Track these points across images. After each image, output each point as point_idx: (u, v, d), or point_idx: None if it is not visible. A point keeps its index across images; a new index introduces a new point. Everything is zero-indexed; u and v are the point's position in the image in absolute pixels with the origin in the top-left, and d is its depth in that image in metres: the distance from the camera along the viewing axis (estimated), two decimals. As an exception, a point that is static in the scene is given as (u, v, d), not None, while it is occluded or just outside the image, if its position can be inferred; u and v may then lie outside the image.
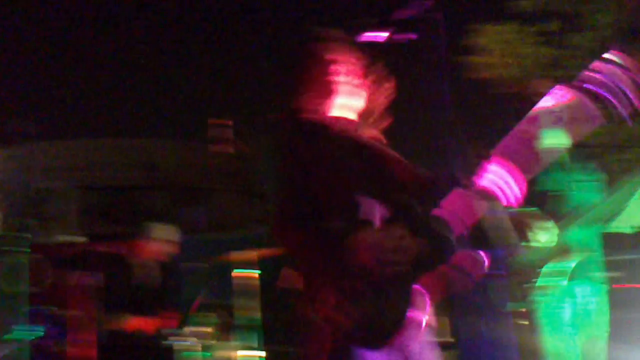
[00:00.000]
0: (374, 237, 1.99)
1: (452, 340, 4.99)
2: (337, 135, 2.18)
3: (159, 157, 19.30)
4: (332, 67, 2.15)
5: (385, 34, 1.91)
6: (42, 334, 3.97)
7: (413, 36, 1.84)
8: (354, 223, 2.06)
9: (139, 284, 4.56)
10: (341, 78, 2.17)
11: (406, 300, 1.99)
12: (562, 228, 3.10)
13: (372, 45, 1.97)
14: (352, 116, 2.23)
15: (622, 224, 3.36)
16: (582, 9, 11.78)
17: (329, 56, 2.16)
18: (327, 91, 2.16)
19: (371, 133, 2.29)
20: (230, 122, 4.53)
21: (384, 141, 2.36)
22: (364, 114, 2.24)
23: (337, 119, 2.21)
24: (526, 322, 3.09)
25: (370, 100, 2.24)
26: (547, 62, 11.71)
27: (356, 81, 2.19)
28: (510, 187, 2.08)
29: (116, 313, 4.34)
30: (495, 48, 11.84)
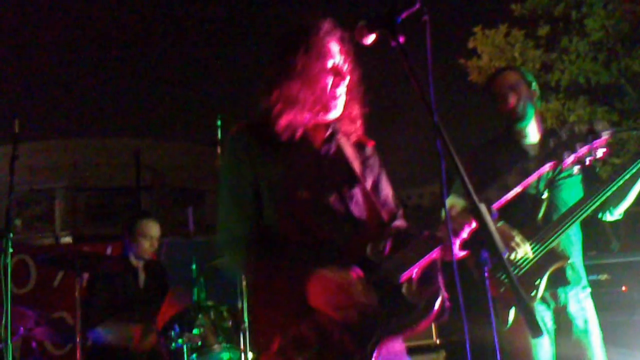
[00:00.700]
0: (330, 281, 1.93)
1: (438, 342, 4.99)
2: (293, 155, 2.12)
3: (148, 157, 19.19)
4: (319, 57, 2.11)
5: (373, 36, 1.89)
6: (25, 335, 3.93)
7: (401, 39, 1.83)
8: (315, 260, 2.01)
9: (126, 284, 4.53)
10: (328, 68, 2.13)
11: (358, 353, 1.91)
12: (546, 234, 3.12)
13: (360, 47, 1.95)
14: (335, 108, 2.17)
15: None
16: (571, 14, 11.88)
17: (316, 46, 2.12)
18: (311, 82, 2.11)
19: (350, 132, 2.25)
20: (222, 122, 4.50)
21: (365, 140, 2.32)
22: (346, 101, 2.19)
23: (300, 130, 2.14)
24: (515, 326, 3.08)
25: (349, 91, 2.19)
26: (535, 66, 11.80)
27: (340, 72, 2.14)
28: None
29: (102, 314, 4.31)
30: (485, 51, 11.90)
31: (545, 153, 2.23)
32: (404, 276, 2.01)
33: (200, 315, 3.91)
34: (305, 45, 2.12)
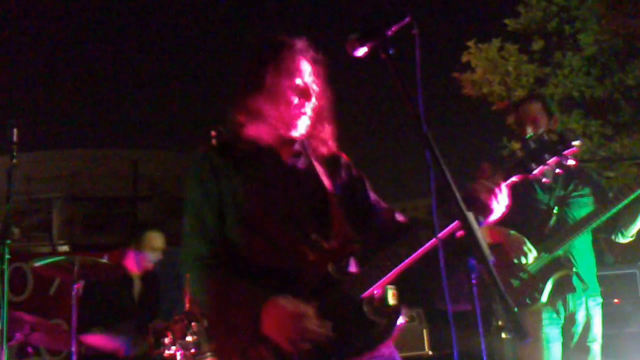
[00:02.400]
0: (284, 310, 1.91)
1: (430, 353, 5.02)
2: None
3: (145, 167, 19.19)
4: (287, 74, 2.12)
5: (364, 49, 1.92)
6: (22, 340, 3.95)
7: (391, 51, 1.87)
8: (276, 279, 2.02)
9: (121, 293, 4.54)
10: (295, 85, 2.13)
11: None
12: (552, 244, 3.29)
13: (351, 59, 1.99)
14: (298, 127, 2.17)
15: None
16: (565, 28, 11.97)
17: (285, 63, 2.12)
18: (277, 98, 2.12)
19: (321, 151, 2.25)
20: (217, 133, 4.54)
21: (338, 154, 2.32)
22: (314, 121, 2.20)
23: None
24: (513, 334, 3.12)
25: (320, 112, 2.20)
26: (529, 80, 11.87)
27: (307, 92, 2.15)
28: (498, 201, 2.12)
29: (98, 323, 4.32)
30: (479, 65, 11.97)
31: (514, 164, 2.21)
32: (365, 294, 2.02)
33: (193, 323, 3.94)
34: (275, 61, 2.13)
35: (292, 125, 2.16)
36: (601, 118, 11.78)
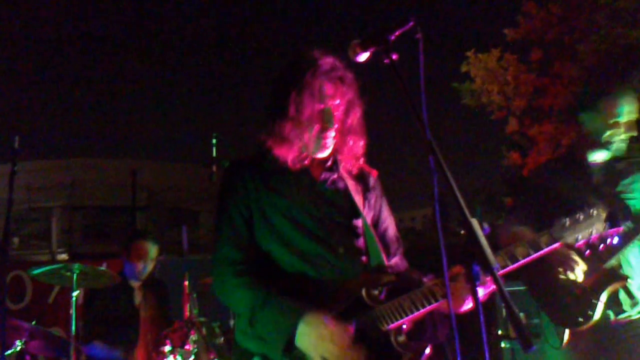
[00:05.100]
0: (323, 327, 1.90)
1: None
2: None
3: (144, 177, 19.19)
4: (311, 100, 2.11)
5: (367, 54, 1.90)
6: (20, 348, 3.92)
7: (394, 56, 1.85)
8: (308, 296, 2.00)
9: (121, 302, 4.52)
10: (318, 111, 2.13)
11: None
12: (604, 253, 2.87)
13: (354, 64, 1.97)
14: (324, 150, 2.18)
15: None
16: (564, 38, 12.02)
17: (309, 88, 2.11)
18: (302, 124, 2.12)
19: (352, 167, 2.25)
20: (217, 142, 4.53)
21: (365, 168, 2.31)
22: (343, 138, 2.20)
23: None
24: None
25: (349, 129, 2.19)
26: (528, 90, 11.91)
27: (331, 119, 2.14)
28: None
29: (98, 333, 4.30)
30: (478, 75, 12.01)
31: (557, 234, 2.20)
32: (394, 325, 2.00)
33: (192, 332, 3.92)
34: (299, 87, 2.11)
35: (317, 149, 2.18)
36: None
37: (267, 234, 2.12)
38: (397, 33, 1.85)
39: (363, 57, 1.91)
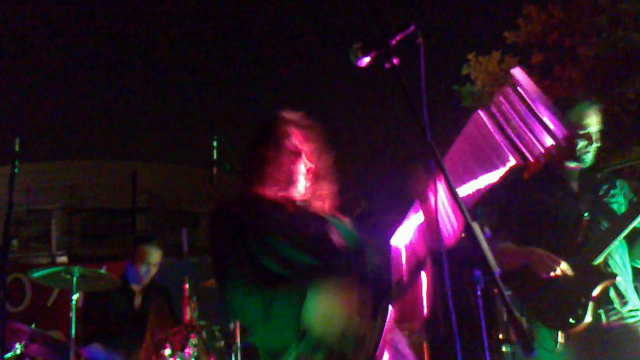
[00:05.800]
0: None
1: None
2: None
3: (144, 179, 19.21)
4: (290, 151, 2.25)
5: (366, 59, 1.91)
6: (20, 351, 3.92)
7: (395, 60, 1.86)
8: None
9: (121, 306, 4.52)
10: (288, 149, 2.26)
11: None
12: (589, 252, 2.94)
13: (356, 68, 1.97)
14: (297, 183, 2.27)
15: None
16: (565, 41, 12.03)
17: (287, 140, 2.25)
18: (279, 165, 2.24)
19: (321, 209, 2.31)
20: (218, 144, 4.52)
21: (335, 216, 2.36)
22: (313, 181, 2.29)
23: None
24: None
25: (317, 172, 2.30)
26: (529, 93, 11.90)
27: (299, 152, 2.27)
28: (450, 221, 2.06)
29: (98, 336, 4.30)
30: (478, 78, 12.03)
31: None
32: None
33: (192, 335, 3.91)
34: (273, 136, 2.28)
35: (291, 183, 2.26)
36: (601, 131, 11.78)
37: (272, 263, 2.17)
38: (398, 37, 1.86)
39: (364, 61, 1.92)
